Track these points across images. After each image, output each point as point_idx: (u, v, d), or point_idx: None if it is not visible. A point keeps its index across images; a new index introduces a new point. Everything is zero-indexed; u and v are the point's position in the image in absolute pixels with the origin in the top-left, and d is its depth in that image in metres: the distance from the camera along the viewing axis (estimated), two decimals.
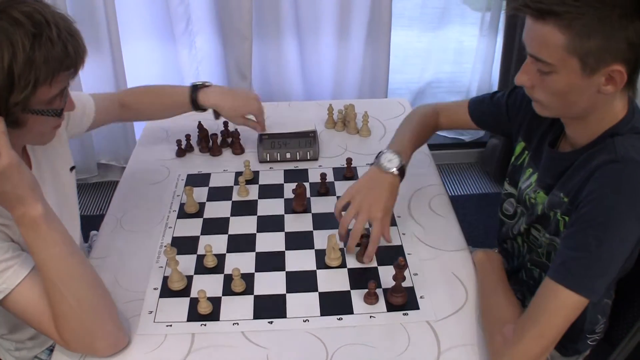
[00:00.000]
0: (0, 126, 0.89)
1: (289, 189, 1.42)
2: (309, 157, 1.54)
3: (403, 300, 1.11)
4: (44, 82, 0.93)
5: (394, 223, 1.32)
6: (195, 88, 1.50)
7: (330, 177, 1.47)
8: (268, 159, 1.54)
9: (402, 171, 1.22)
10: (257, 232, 1.30)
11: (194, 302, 1.12)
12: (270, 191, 1.44)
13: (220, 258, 1.23)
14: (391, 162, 1.21)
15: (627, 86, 0.97)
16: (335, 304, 1.12)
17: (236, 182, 1.46)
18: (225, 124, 1.63)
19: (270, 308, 1.11)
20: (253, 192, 1.43)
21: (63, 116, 1.05)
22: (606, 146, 1.00)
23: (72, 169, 1.27)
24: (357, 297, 1.13)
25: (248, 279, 1.17)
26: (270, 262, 1.22)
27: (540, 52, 0.95)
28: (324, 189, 1.42)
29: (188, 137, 1.59)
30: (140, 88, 1.54)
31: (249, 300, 1.13)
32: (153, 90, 1.55)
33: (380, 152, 1.25)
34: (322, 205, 1.38)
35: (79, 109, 1.29)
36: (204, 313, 1.10)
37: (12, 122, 0.94)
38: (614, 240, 0.94)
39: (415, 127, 1.36)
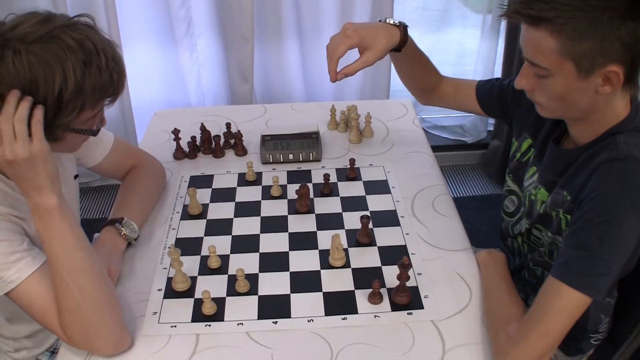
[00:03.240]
0: (37, 114, 0.92)
1: (292, 190, 1.42)
2: (311, 158, 1.54)
3: (407, 299, 1.11)
4: (89, 108, 0.99)
5: (397, 223, 1.32)
6: None
7: (333, 178, 1.47)
8: (271, 160, 1.54)
9: (404, 31, 1.33)
10: (261, 232, 1.30)
11: (198, 303, 1.12)
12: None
13: (224, 259, 1.23)
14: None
15: (627, 85, 0.97)
16: (339, 304, 1.12)
17: (239, 184, 1.46)
18: (228, 125, 1.63)
19: (274, 308, 1.11)
20: (256, 193, 1.43)
21: None
22: (608, 144, 1.00)
23: (75, 177, 1.29)
24: (361, 297, 1.13)
25: (252, 279, 1.17)
26: (274, 262, 1.22)
27: (535, 56, 0.97)
28: (327, 189, 1.42)
29: (194, 138, 1.59)
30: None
31: (253, 300, 1.13)
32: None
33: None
34: (325, 205, 1.38)
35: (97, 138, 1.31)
36: (208, 314, 1.10)
37: (52, 139, 0.99)
38: (616, 238, 0.94)
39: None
